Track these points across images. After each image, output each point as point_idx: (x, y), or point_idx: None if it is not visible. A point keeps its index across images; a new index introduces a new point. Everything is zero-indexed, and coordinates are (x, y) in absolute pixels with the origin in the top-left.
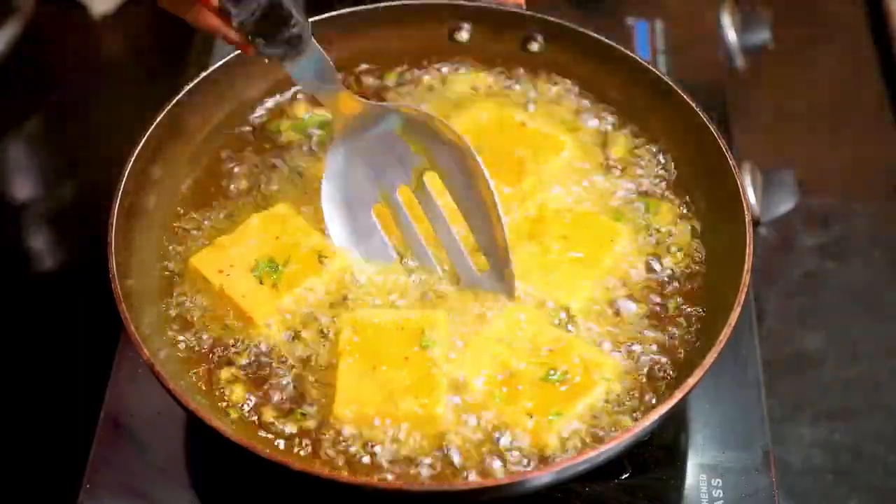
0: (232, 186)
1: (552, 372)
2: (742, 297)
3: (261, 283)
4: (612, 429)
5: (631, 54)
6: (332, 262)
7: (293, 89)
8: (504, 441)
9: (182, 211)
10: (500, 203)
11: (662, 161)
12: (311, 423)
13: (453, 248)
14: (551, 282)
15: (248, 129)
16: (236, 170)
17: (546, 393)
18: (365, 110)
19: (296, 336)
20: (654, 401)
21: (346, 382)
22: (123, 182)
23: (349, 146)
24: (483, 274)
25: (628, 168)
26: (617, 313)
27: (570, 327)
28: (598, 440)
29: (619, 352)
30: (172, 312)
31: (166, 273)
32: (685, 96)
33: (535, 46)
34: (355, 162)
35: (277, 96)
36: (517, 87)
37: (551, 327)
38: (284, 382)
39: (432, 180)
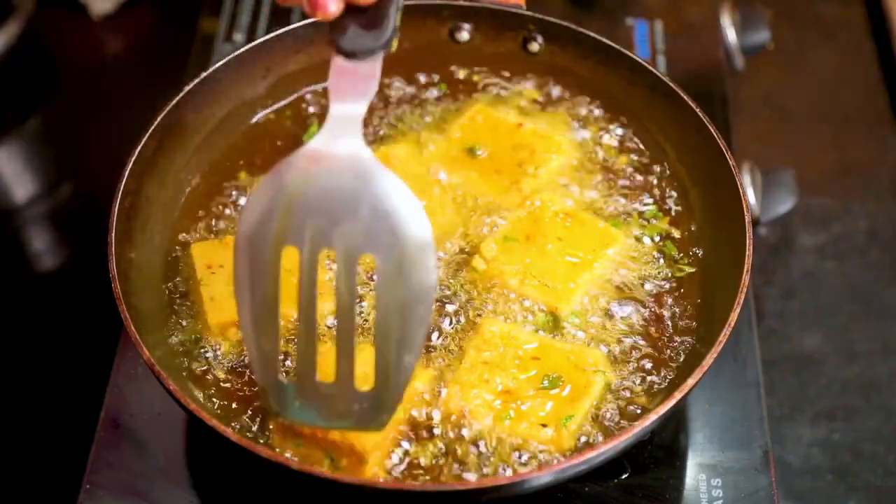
0: (237, 189)
1: (546, 380)
2: (742, 297)
3: None
4: (622, 418)
5: (631, 54)
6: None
7: (294, 89)
8: (523, 456)
9: (183, 211)
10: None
11: (661, 161)
12: None
13: (346, 343)
14: (545, 284)
15: (249, 129)
16: (240, 171)
17: (549, 401)
18: (358, 155)
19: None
20: (653, 401)
21: None
22: (123, 182)
23: (311, 172)
24: (359, 392)
25: (627, 168)
26: (613, 315)
27: (556, 334)
28: (613, 432)
29: (616, 353)
30: (173, 311)
31: (167, 273)
32: (685, 96)
33: (534, 46)
34: (303, 189)
35: (279, 96)
36: (516, 87)
37: (526, 333)
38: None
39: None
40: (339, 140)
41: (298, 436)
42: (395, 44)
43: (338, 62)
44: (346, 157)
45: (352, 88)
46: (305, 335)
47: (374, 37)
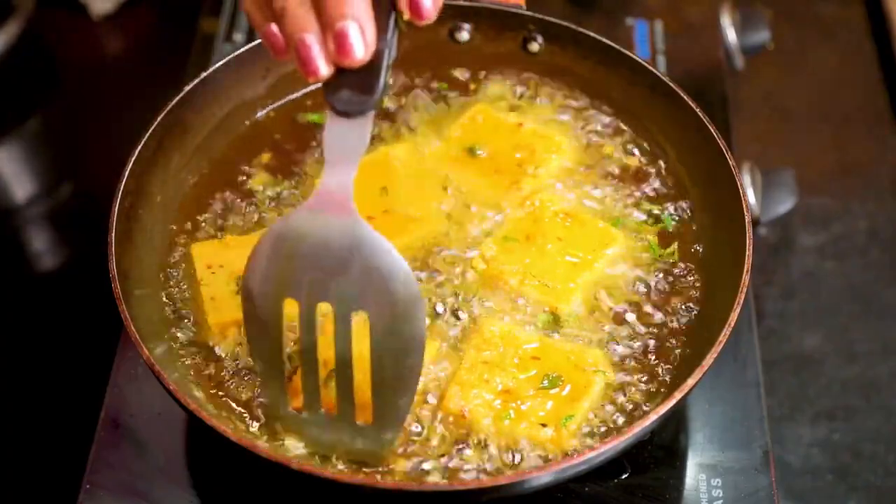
0: (237, 188)
1: (546, 380)
2: (742, 297)
3: (237, 293)
4: (623, 419)
5: (631, 54)
6: None
7: (294, 89)
8: (523, 456)
9: (183, 211)
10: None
11: (661, 161)
12: None
13: (345, 389)
14: (545, 284)
15: (249, 129)
16: (241, 171)
17: (549, 401)
18: (344, 215)
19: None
20: (653, 400)
21: None
22: (123, 182)
23: (303, 224)
24: (360, 428)
25: (627, 169)
26: (613, 315)
27: (556, 334)
28: (613, 432)
29: (616, 352)
30: (173, 312)
31: (167, 273)
32: (685, 96)
33: (534, 46)
34: (301, 245)
35: (279, 96)
36: (516, 87)
37: (526, 333)
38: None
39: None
40: (332, 200)
41: None
42: (385, 101)
43: (332, 118)
44: (338, 217)
45: (342, 154)
46: (310, 379)
47: (365, 97)
